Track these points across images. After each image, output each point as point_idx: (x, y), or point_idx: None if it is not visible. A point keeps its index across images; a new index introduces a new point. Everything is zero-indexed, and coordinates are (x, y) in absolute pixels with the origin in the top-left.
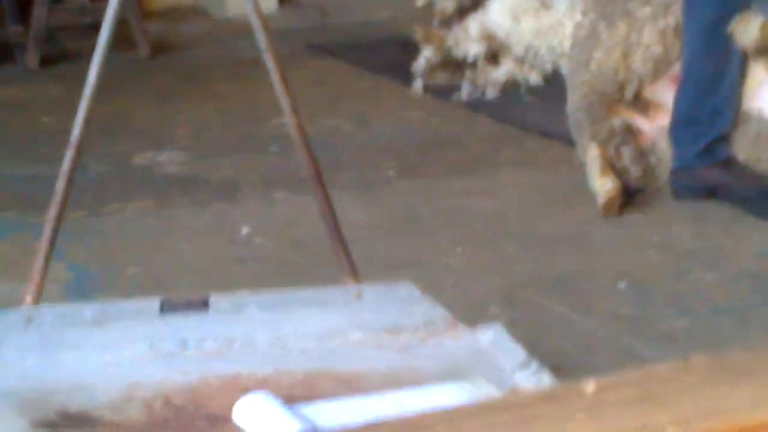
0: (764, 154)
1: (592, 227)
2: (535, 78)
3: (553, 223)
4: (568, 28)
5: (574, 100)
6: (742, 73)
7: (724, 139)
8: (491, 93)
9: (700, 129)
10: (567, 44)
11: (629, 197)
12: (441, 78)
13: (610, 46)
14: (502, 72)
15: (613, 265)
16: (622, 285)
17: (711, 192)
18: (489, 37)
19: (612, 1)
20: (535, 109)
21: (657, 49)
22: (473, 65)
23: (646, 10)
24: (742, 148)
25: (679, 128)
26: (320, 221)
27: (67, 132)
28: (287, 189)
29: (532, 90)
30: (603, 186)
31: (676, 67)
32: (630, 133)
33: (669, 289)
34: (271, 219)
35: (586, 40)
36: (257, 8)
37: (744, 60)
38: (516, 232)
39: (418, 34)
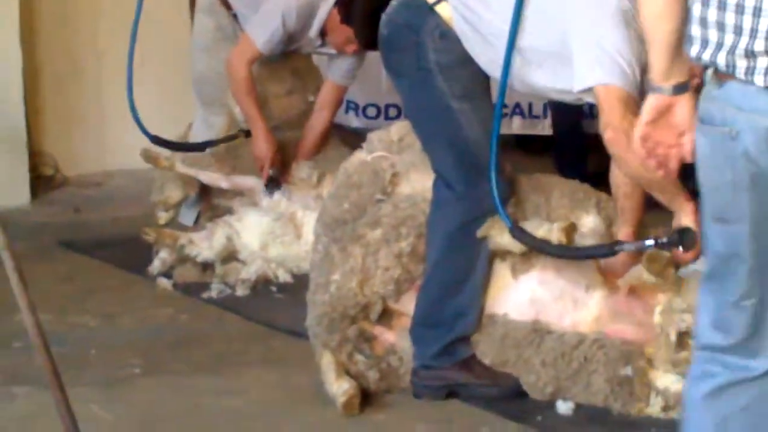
0: (511, 357)
1: (337, 428)
2: (284, 275)
3: (297, 422)
4: None
5: (313, 317)
6: (487, 277)
7: (465, 339)
8: (241, 291)
9: (441, 330)
10: None
11: (374, 398)
12: (191, 274)
13: (347, 271)
14: (252, 270)
15: None
16: None
17: (452, 391)
18: (230, 251)
19: (341, 224)
20: (285, 307)
21: (396, 272)
22: (222, 259)
23: (377, 234)
24: (488, 351)
25: (421, 328)
26: None
27: None
28: (30, 385)
29: (283, 288)
30: (340, 388)
31: (420, 282)
32: (365, 339)
33: None
34: (11, 415)
35: (321, 263)
36: None
37: (489, 263)
38: None
39: (149, 235)
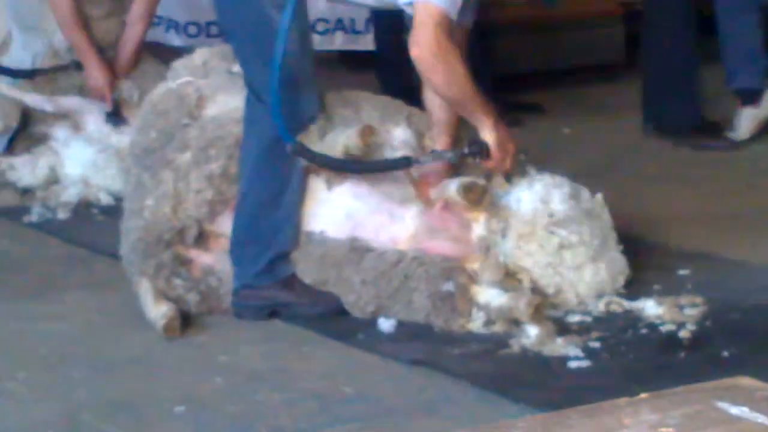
0: (331, 276)
1: (159, 350)
2: (106, 198)
3: (119, 346)
4: None
5: (128, 244)
6: (302, 191)
7: (285, 257)
8: (63, 214)
9: (259, 247)
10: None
11: (195, 320)
12: (11, 198)
13: (159, 196)
14: (73, 193)
15: (176, 388)
16: (179, 409)
17: (273, 311)
18: (52, 179)
19: (151, 152)
20: (107, 229)
21: (208, 194)
22: (43, 187)
23: (187, 157)
24: (308, 271)
25: (238, 247)
26: None
27: None
28: None
29: (105, 210)
30: (159, 311)
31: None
32: (181, 263)
33: (231, 411)
34: None
35: (135, 191)
36: None
37: (304, 178)
38: (82, 356)
39: None
